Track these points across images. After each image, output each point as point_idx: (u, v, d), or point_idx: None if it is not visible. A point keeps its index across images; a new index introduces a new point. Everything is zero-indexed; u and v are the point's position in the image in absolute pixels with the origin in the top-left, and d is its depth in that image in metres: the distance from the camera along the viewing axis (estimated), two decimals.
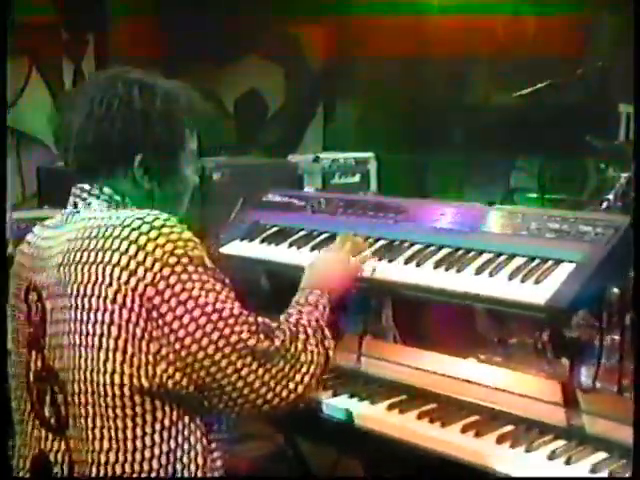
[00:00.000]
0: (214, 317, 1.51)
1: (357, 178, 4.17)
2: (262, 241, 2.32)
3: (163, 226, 1.52)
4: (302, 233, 2.28)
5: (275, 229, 2.35)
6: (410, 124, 5.16)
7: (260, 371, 1.55)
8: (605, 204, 4.12)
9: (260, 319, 1.60)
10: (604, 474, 1.62)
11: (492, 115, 5.14)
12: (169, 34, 5.39)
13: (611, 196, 4.18)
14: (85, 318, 1.52)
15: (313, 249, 2.19)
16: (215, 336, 1.50)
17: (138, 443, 1.53)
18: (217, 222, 2.61)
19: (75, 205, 1.67)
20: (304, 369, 1.61)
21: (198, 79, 5.24)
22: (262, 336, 1.57)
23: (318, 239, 2.22)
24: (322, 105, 5.52)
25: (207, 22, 5.20)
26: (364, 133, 5.21)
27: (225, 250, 2.33)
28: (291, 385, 1.59)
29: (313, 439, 2.29)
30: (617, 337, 1.93)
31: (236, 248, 2.33)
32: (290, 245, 2.24)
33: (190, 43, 5.25)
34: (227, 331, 1.51)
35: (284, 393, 1.58)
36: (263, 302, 2.47)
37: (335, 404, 2.00)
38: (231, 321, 1.52)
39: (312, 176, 3.99)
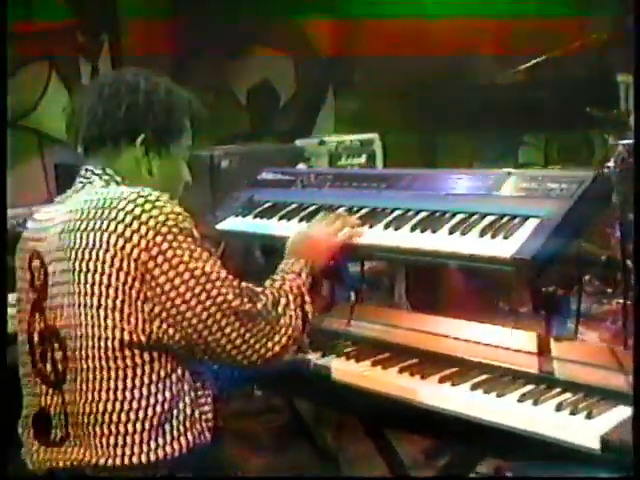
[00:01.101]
0: (202, 280, 1.64)
1: (363, 159, 4.23)
2: (255, 216, 2.41)
3: (157, 200, 1.66)
4: (292, 206, 2.36)
5: (268, 204, 2.44)
6: (416, 104, 5.22)
7: (242, 330, 1.68)
8: (606, 171, 4.16)
9: (244, 284, 1.73)
10: (566, 412, 1.69)
11: (497, 92, 5.17)
12: (182, 29, 5.50)
13: (611, 163, 4.23)
14: (84, 280, 1.65)
15: (301, 220, 2.27)
16: (203, 297, 1.64)
17: (136, 392, 1.65)
18: None
19: (78, 185, 1.80)
20: (283, 331, 1.75)
21: (210, 71, 5.37)
22: (246, 299, 1.70)
23: (306, 211, 2.31)
24: (332, 91, 5.59)
25: (219, 16, 5.30)
26: (371, 114, 5.27)
27: (221, 226, 2.42)
28: (269, 344, 1.72)
29: (306, 397, 2.38)
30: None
31: (231, 224, 2.43)
32: (280, 218, 2.33)
33: (202, 37, 5.35)
34: (214, 292, 1.65)
35: (262, 351, 1.71)
36: (257, 274, 2.58)
37: (323, 363, 2.09)
38: (218, 284, 1.65)
39: (319, 158, 4.06)
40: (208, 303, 1.64)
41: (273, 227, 2.32)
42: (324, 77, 5.60)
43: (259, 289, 1.79)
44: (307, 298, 1.84)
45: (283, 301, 1.79)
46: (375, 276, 3.94)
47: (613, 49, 4.64)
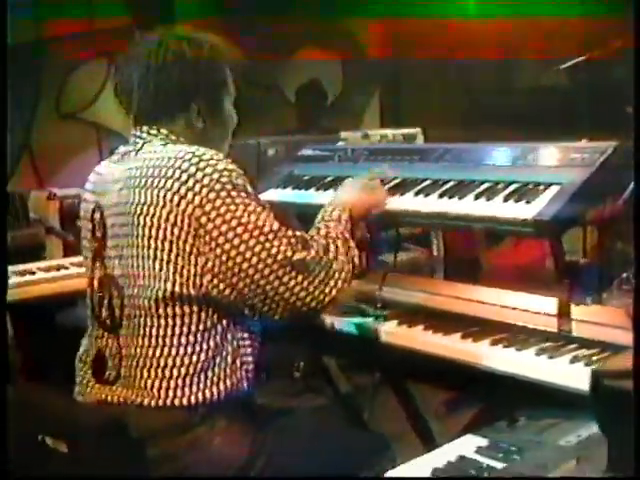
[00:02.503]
0: (256, 233, 1.70)
1: None
2: (294, 188, 2.50)
3: (211, 159, 1.72)
4: (329, 179, 2.45)
5: (306, 177, 2.53)
6: (460, 102, 5.28)
7: (299, 278, 1.73)
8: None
9: (298, 232, 1.79)
10: (581, 364, 1.75)
11: (541, 93, 5.20)
12: (235, 29, 5.63)
13: None
14: (142, 233, 1.73)
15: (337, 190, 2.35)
16: (258, 249, 1.70)
17: (183, 339, 1.75)
18: None
19: (135, 144, 1.87)
20: (337, 275, 1.79)
21: (261, 70, 5.50)
22: (300, 247, 1.76)
23: (343, 182, 2.38)
24: (378, 91, 5.69)
25: (269, 17, 5.43)
26: (416, 114, 5.34)
27: (261, 197, 2.51)
28: (327, 289, 1.77)
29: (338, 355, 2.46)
30: None
31: (271, 195, 2.51)
32: (317, 189, 2.42)
33: (254, 38, 5.48)
34: (268, 245, 1.71)
35: (321, 297, 1.77)
36: None
37: (358, 322, 2.17)
38: (271, 236, 1.72)
39: None
40: (263, 255, 1.69)
41: (310, 197, 2.41)
42: (371, 77, 5.68)
43: (309, 235, 1.84)
44: (352, 243, 1.89)
45: (332, 247, 1.83)
46: (414, 267, 4.00)
47: None
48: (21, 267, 2.77)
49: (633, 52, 2.46)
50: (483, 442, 1.59)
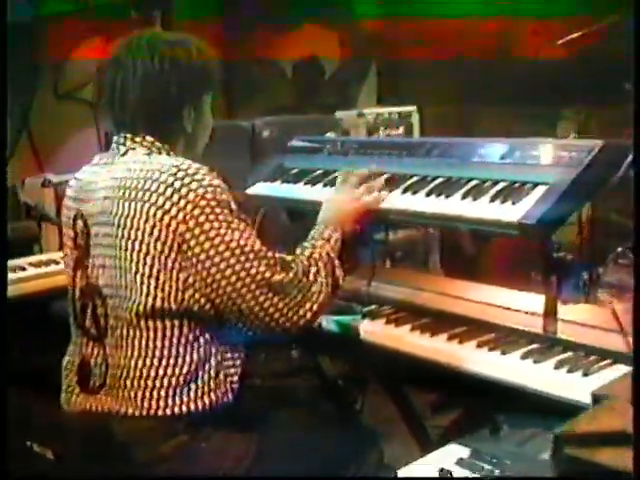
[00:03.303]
0: (237, 252, 1.68)
1: (401, 131, 4.24)
2: (283, 181, 2.46)
3: (196, 173, 1.69)
4: (318, 172, 2.40)
5: (295, 170, 2.48)
6: (455, 77, 5.19)
7: (275, 299, 1.71)
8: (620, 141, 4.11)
9: (277, 254, 1.76)
10: (564, 370, 1.72)
11: (536, 67, 5.12)
12: (233, 4, 5.55)
13: None
14: (124, 246, 1.71)
15: (325, 185, 2.31)
16: (238, 267, 1.68)
17: (165, 351, 1.73)
18: None
19: (118, 150, 1.83)
20: (314, 298, 1.77)
21: (258, 46, 5.42)
22: (278, 268, 1.73)
23: (331, 177, 2.34)
24: (375, 65, 5.58)
25: None
26: (412, 87, 5.27)
27: (250, 191, 2.48)
28: (301, 312, 1.75)
29: (328, 354, 2.44)
30: None
31: (260, 189, 2.48)
32: (306, 183, 2.38)
33: (250, 14, 5.40)
34: (248, 265, 1.68)
35: (295, 318, 1.74)
36: (283, 236, 2.63)
37: (343, 321, 2.14)
38: (252, 256, 1.69)
39: (357, 130, 4.09)
40: (242, 274, 1.68)
41: (299, 192, 2.37)
42: (367, 53, 5.59)
43: (290, 258, 1.81)
44: (337, 263, 1.86)
45: (313, 269, 1.80)
46: (409, 244, 3.98)
47: None
48: (11, 263, 2.73)
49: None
50: (465, 452, 1.57)
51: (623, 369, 1.71)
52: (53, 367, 1.93)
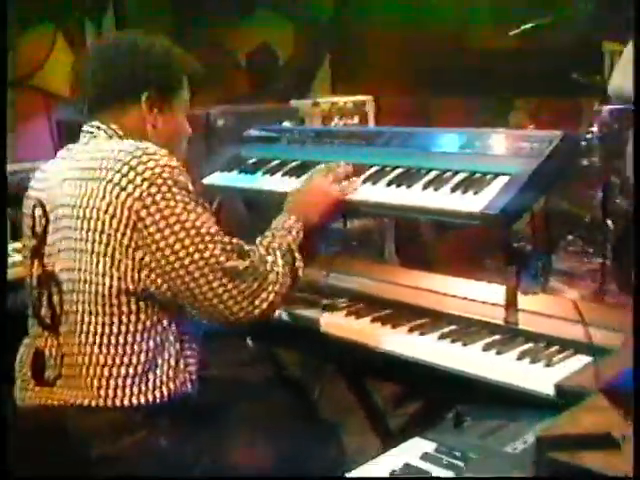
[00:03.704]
0: (192, 232, 1.63)
1: (356, 120, 4.21)
2: (240, 171, 2.40)
3: (154, 153, 1.66)
4: (276, 162, 2.35)
5: (253, 160, 2.43)
6: (409, 66, 5.18)
7: (229, 285, 1.66)
8: (590, 135, 4.15)
9: (235, 240, 1.72)
10: (527, 361, 1.70)
11: (489, 57, 5.13)
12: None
13: (595, 128, 4.20)
14: (80, 226, 1.67)
15: (284, 175, 2.27)
16: (191, 249, 1.63)
17: (121, 339, 1.67)
18: None
19: (83, 138, 1.81)
20: (270, 288, 1.72)
21: (211, 34, 5.33)
22: (234, 255, 1.68)
23: (289, 167, 2.30)
24: (329, 53, 5.55)
25: None
26: (366, 77, 5.24)
27: (206, 181, 2.42)
28: (256, 302, 1.70)
29: (285, 346, 2.40)
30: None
31: (216, 179, 2.42)
32: (264, 173, 2.33)
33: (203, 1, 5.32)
34: (202, 246, 1.63)
35: (250, 308, 1.69)
36: (241, 226, 2.58)
37: (303, 314, 2.10)
38: (207, 238, 1.64)
39: (312, 119, 4.04)
40: (196, 256, 1.63)
41: (256, 182, 2.32)
42: (322, 41, 5.55)
43: (248, 247, 1.76)
44: (297, 255, 1.81)
45: (271, 258, 1.76)
46: (365, 233, 3.95)
47: (600, 17, 4.60)
48: None
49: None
50: (430, 447, 1.53)
51: (584, 359, 1.70)
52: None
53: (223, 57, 5.44)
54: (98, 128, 1.79)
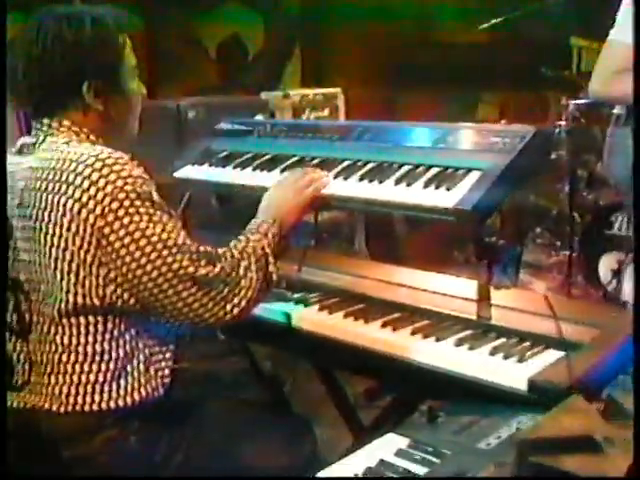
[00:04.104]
0: (159, 246, 1.58)
1: (326, 112, 4.19)
2: (211, 165, 2.36)
3: (115, 164, 1.58)
4: (247, 156, 2.32)
5: (224, 153, 2.39)
6: (378, 59, 5.17)
7: (199, 294, 1.62)
8: (557, 129, 4.18)
9: (202, 248, 1.66)
10: (500, 356, 1.70)
11: (458, 51, 5.14)
12: None
13: (563, 122, 4.23)
14: (43, 241, 1.61)
15: (255, 169, 2.23)
16: (159, 262, 1.58)
17: (89, 348, 1.64)
18: None
19: (37, 136, 1.72)
20: (242, 293, 1.67)
21: (180, 25, 5.27)
22: (203, 262, 1.63)
23: (260, 160, 2.27)
24: (299, 46, 5.52)
25: None
26: (336, 69, 5.22)
27: (178, 174, 2.38)
28: (228, 307, 1.66)
29: (257, 341, 2.38)
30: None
31: (187, 172, 2.38)
32: (235, 167, 2.29)
33: None
34: (170, 259, 1.59)
35: (220, 313, 1.65)
36: (213, 221, 2.55)
37: (275, 309, 2.07)
38: (174, 250, 1.60)
39: (283, 111, 4.01)
40: (164, 269, 1.59)
41: (228, 175, 2.28)
42: (291, 33, 5.51)
43: (220, 251, 1.71)
44: (271, 259, 1.76)
45: (244, 263, 1.70)
46: (335, 226, 3.94)
47: (568, 13, 4.62)
48: None
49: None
50: (403, 442, 1.52)
51: (556, 354, 1.69)
52: None
53: (193, 48, 5.38)
54: (49, 126, 1.70)
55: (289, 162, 2.18)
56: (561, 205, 4.46)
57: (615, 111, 2.78)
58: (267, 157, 2.26)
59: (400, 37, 5.17)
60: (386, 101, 5.22)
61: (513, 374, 1.62)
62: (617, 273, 3.94)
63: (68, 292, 1.60)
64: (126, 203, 1.56)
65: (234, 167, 2.29)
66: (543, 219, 4.70)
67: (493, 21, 4.50)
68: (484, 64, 4.90)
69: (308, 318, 2.01)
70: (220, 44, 5.28)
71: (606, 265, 4.13)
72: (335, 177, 2.04)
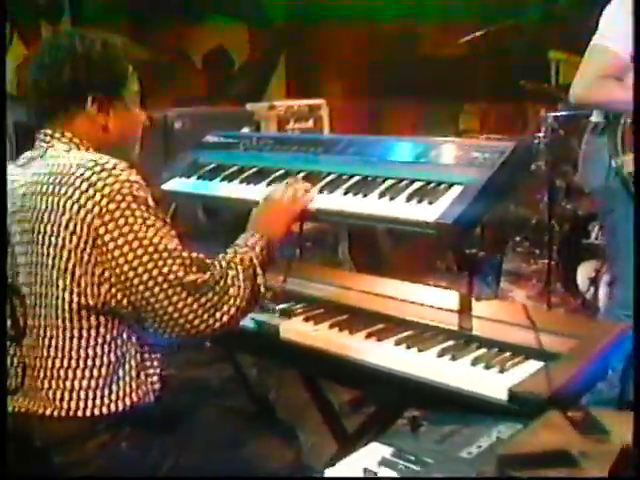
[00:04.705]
0: (150, 249, 1.61)
1: (310, 123, 4.21)
2: (198, 177, 2.38)
3: (113, 168, 1.63)
4: (234, 168, 2.33)
5: (211, 166, 2.41)
6: (364, 72, 5.20)
7: (189, 300, 1.64)
8: (537, 141, 4.21)
9: (194, 254, 1.69)
10: (481, 367, 1.72)
11: (440, 63, 5.17)
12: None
13: (541, 134, 4.27)
14: (41, 241, 1.64)
15: (242, 182, 2.25)
16: (150, 266, 1.61)
17: (82, 352, 1.66)
18: None
19: (40, 148, 1.76)
20: (231, 302, 1.69)
21: (167, 36, 5.28)
22: (194, 269, 1.66)
23: (247, 173, 2.28)
24: (284, 57, 5.54)
25: None
26: (321, 81, 5.24)
27: (165, 187, 2.39)
28: (217, 315, 1.67)
29: (243, 350, 2.39)
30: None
31: (175, 184, 2.39)
32: (222, 180, 2.31)
33: (158, 4, 5.26)
34: (160, 263, 1.62)
35: (210, 321, 1.67)
36: (199, 232, 2.56)
37: (261, 319, 2.08)
38: (165, 254, 1.62)
39: (268, 122, 4.03)
40: (155, 272, 1.61)
41: (215, 188, 2.29)
42: (276, 44, 5.53)
43: (209, 260, 1.73)
44: (259, 270, 1.77)
45: (232, 273, 1.72)
46: (319, 234, 3.96)
47: (547, 27, 4.67)
48: None
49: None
50: (387, 451, 1.54)
51: (536, 365, 1.72)
52: None
53: (179, 59, 5.39)
54: (52, 137, 1.75)
55: (275, 175, 2.19)
56: (540, 214, 4.50)
57: (592, 119, 2.76)
58: (253, 170, 2.28)
59: (384, 50, 5.20)
60: (370, 111, 5.25)
61: (494, 384, 1.64)
62: (594, 281, 3.98)
63: (64, 290, 1.63)
64: (123, 205, 1.60)
65: (221, 180, 2.31)
66: (523, 228, 4.74)
67: (473, 35, 4.55)
68: (465, 77, 4.94)
69: (294, 329, 2.02)
70: (206, 55, 5.28)
71: (584, 273, 4.17)
72: (320, 191, 2.06)
